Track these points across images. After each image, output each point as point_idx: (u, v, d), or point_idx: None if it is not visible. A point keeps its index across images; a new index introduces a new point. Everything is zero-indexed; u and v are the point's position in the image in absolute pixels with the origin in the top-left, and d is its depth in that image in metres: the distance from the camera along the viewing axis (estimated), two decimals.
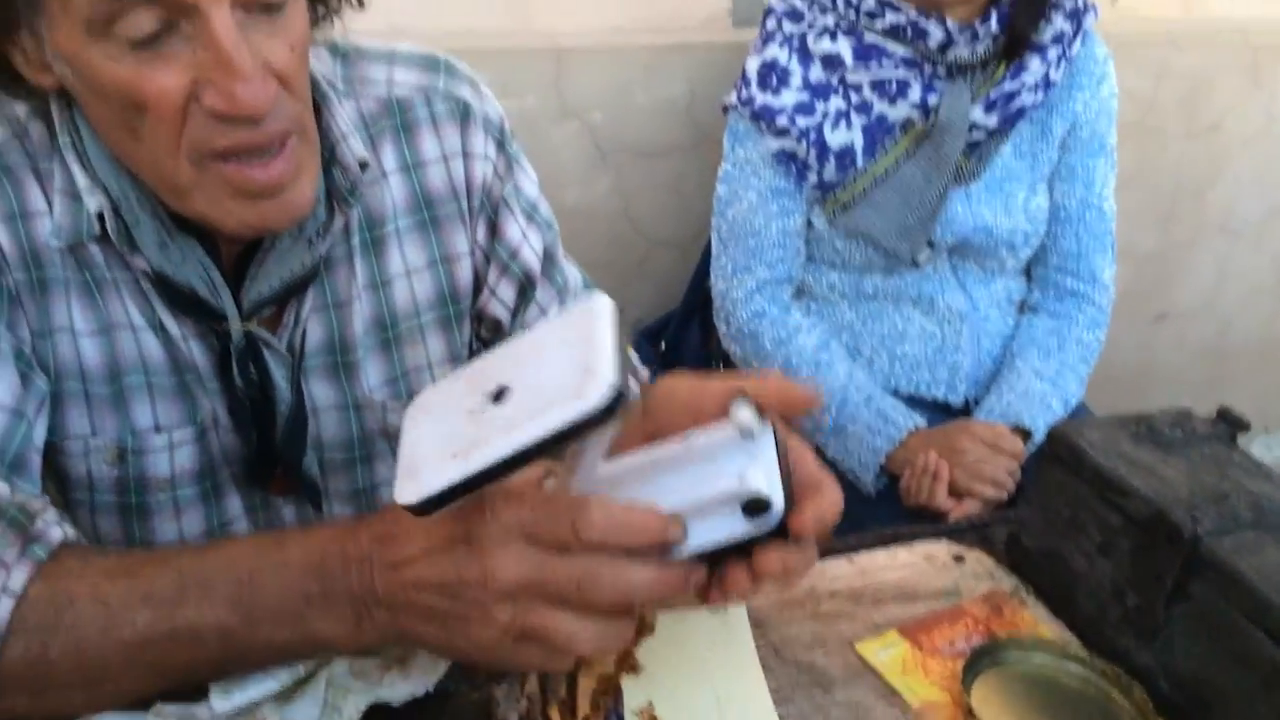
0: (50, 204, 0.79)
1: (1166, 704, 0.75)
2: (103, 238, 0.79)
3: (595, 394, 0.55)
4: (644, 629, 0.80)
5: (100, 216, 0.78)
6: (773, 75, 1.49)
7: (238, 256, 0.83)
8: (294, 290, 0.85)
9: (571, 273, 1.04)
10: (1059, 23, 1.46)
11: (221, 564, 0.65)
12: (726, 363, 1.65)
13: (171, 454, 0.86)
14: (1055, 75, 1.47)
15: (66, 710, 0.66)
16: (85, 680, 0.65)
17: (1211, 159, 2.21)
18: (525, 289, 0.98)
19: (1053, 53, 1.46)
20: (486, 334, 1.00)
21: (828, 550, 0.91)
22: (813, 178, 1.49)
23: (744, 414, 0.62)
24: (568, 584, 0.60)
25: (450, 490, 0.57)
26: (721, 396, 0.66)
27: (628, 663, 0.77)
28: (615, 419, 0.55)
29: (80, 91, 0.73)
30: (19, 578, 0.65)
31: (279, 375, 0.86)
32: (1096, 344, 1.57)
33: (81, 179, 0.78)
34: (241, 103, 0.69)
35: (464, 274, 0.95)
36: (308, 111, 0.78)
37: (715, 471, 0.62)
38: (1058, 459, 0.87)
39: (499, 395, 0.59)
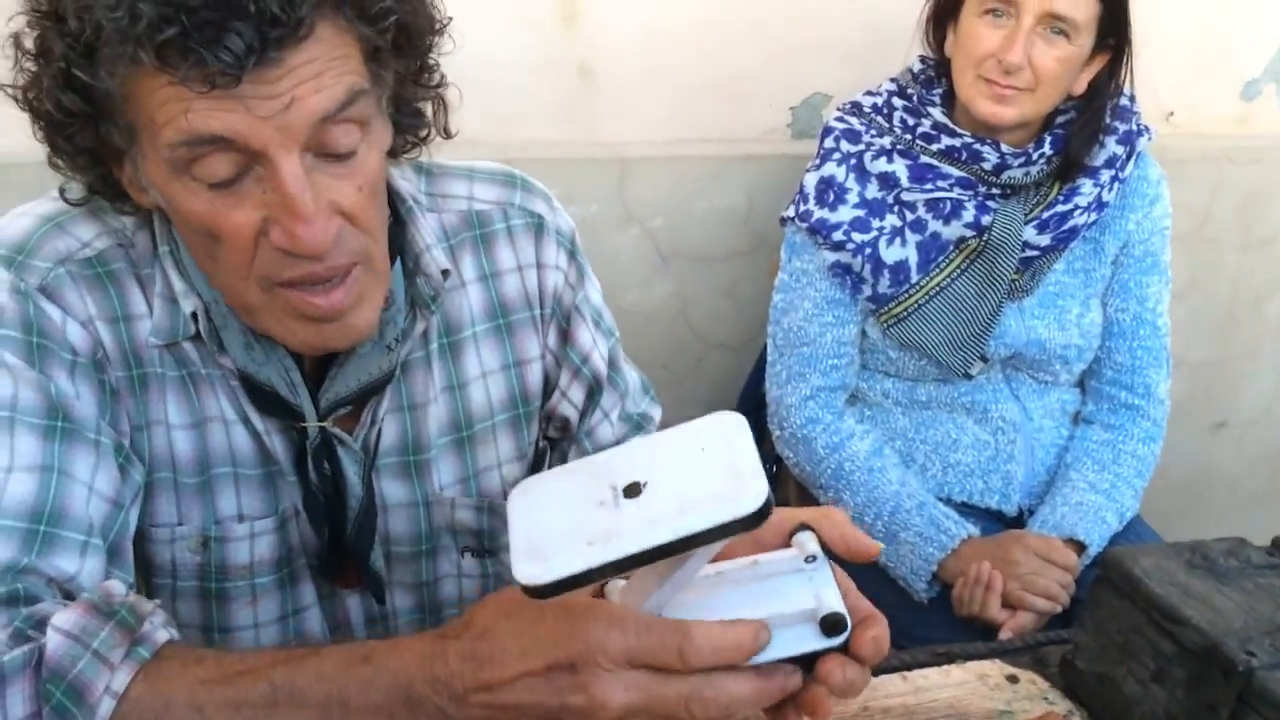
0: (150, 307, 0.86)
1: None
2: (196, 337, 0.85)
3: (750, 498, 0.59)
4: None
5: (194, 316, 0.84)
6: (830, 192, 1.54)
7: (318, 359, 0.88)
8: (371, 392, 0.90)
9: (631, 376, 1.09)
10: (1112, 146, 1.50)
11: (311, 678, 0.67)
12: (779, 465, 1.67)
13: (252, 543, 0.91)
14: (1108, 196, 1.51)
15: None
16: None
17: (1268, 269, 2.22)
18: (593, 392, 1.03)
19: (1105, 175, 1.50)
20: (554, 433, 1.05)
21: (881, 667, 0.93)
22: (867, 290, 1.53)
23: (811, 543, 0.69)
24: (677, 706, 0.62)
25: (583, 575, 0.60)
26: (782, 527, 0.70)
27: None
28: (760, 524, 0.59)
29: (170, 213, 0.81)
30: (122, 679, 0.68)
31: (351, 472, 0.90)
32: (1151, 458, 1.57)
33: (178, 284, 0.85)
34: (302, 242, 0.75)
35: (534, 377, 1.00)
36: (376, 244, 0.83)
37: (786, 591, 0.67)
38: (1112, 584, 0.88)
39: (632, 491, 0.63)
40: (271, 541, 0.92)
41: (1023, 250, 1.49)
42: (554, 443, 1.06)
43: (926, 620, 1.45)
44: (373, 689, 0.66)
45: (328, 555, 0.94)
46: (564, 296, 1.00)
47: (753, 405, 1.75)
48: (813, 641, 0.65)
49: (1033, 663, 0.95)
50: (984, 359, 1.54)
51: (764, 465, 1.79)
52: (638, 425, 1.06)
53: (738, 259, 1.89)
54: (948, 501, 1.55)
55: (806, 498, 1.64)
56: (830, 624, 0.64)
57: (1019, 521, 1.57)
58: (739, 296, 1.90)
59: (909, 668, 0.94)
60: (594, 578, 0.61)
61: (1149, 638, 0.84)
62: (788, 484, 1.70)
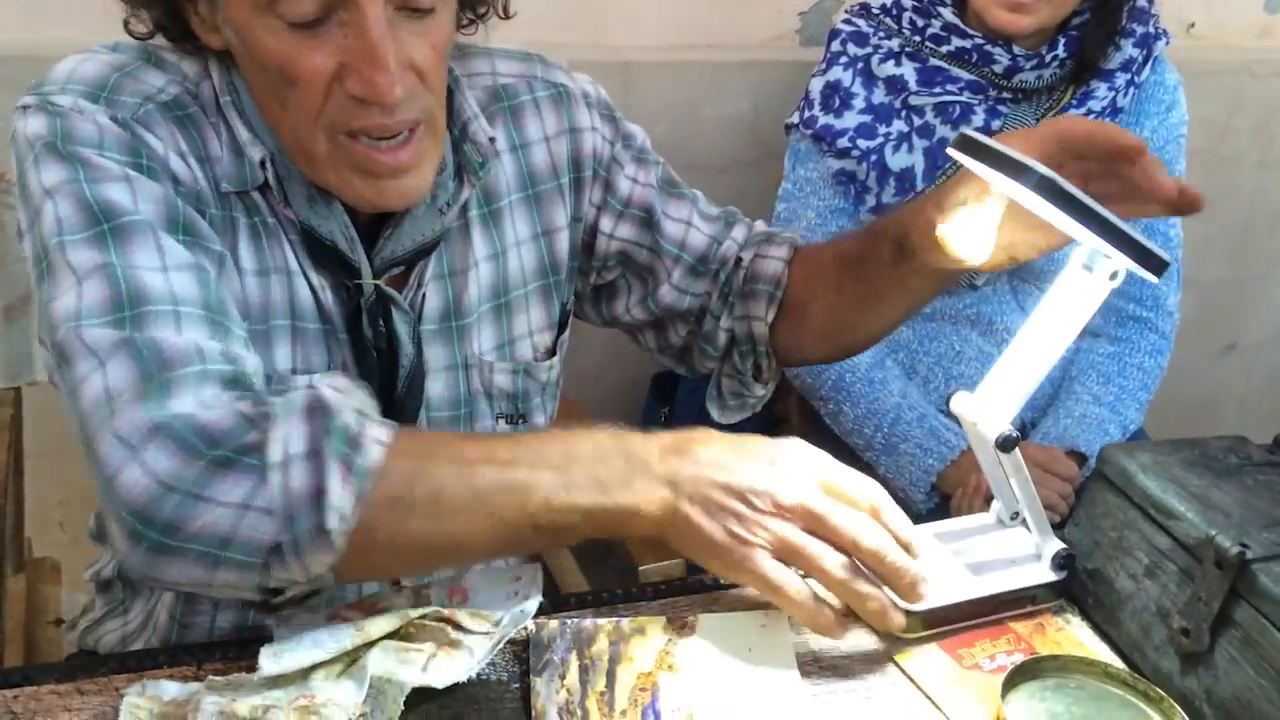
0: (222, 152, 0.86)
1: None
2: (264, 186, 0.86)
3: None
4: (684, 628, 0.81)
5: (263, 164, 0.85)
6: (835, 97, 1.50)
7: (371, 219, 0.89)
8: (422, 254, 0.92)
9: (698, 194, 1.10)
10: (1128, 49, 1.45)
11: (542, 440, 0.78)
12: (781, 378, 1.66)
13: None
14: (1122, 101, 1.47)
15: (419, 538, 0.74)
16: (439, 513, 0.73)
17: None
18: (648, 220, 1.05)
19: (1120, 79, 1.45)
20: (611, 274, 1.07)
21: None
22: (871, 200, 1.49)
23: (1000, 508, 0.94)
24: (844, 528, 0.76)
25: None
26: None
27: (665, 662, 0.79)
28: None
29: (241, 56, 0.82)
30: (386, 432, 0.73)
31: (403, 332, 0.91)
32: (1158, 370, 1.55)
33: (244, 133, 0.85)
34: (379, 90, 0.78)
35: (561, 246, 1.03)
36: (440, 108, 0.86)
37: (1009, 541, 0.92)
38: (1107, 480, 0.87)
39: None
40: None
41: None
42: (611, 285, 1.09)
43: None
44: (600, 449, 0.77)
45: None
46: (603, 153, 1.03)
47: None
48: (1048, 575, 0.87)
49: None
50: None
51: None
52: (727, 222, 1.08)
53: (743, 169, 1.85)
54: (949, 415, 1.53)
55: (807, 410, 1.63)
56: (1062, 560, 0.87)
57: (1022, 435, 1.55)
58: (744, 208, 1.86)
59: None
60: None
61: (1143, 533, 0.83)
62: (789, 397, 1.69)
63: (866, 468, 1.52)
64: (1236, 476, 0.84)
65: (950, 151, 0.83)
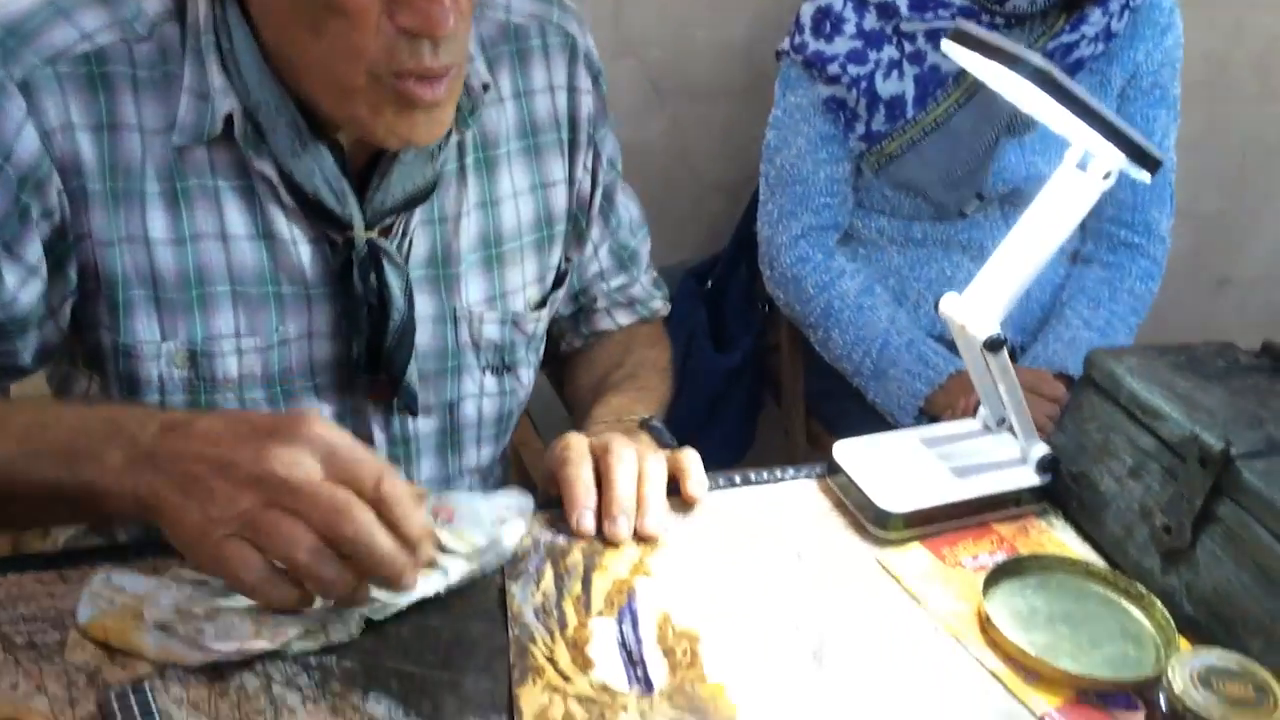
0: (141, 117, 0.81)
1: (1188, 623, 0.75)
2: (215, 142, 0.82)
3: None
4: (654, 542, 0.81)
5: (228, 119, 0.81)
6: (826, 22, 1.48)
7: (359, 170, 0.87)
8: (414, 202, 0.89)
9: (631, 210, 1.12)
10: None
11: (33, 408, 0.72)
12: (771, 306, 1.65)
13: (240, 358, 0.88)
14: (1117, 26, 1.45)
15: None
16: None
17: None
18: (609, 206, 1.08)
19: (1115, 3, 1.43)
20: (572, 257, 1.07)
21: None
22: (860, 128, 1.48)
23: (987, 413, 0.94)
24: (327, 505, 0.64)
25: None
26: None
27: (641, 569, 0.79)
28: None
29: None
30: None
31: (396, 286, 0.89)
32: (1148, 296, 1.55)
33: (218, 80, 0.81)
34: (433, 21, 0.74)
35: (558, 201, 1.00)
36: (468, 47, 0.83)
37: (994, 445, 0.92)
38: (1094, 384, 0.87)
39: None
40: (261, 359, 0.89)
41: None
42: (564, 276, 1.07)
43: None
44: (85, 417, 0.71)
45: (356, 370, 0.91)
46: (597, 123, 1.01)
47: (745, 246, 1.72)
48: (1034, 479, 0.87)
49: None
50: (980, 197, 1.50)
51: (755, 306, 1.77)
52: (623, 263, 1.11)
53: (737, 96, 1.83)
54: (940, 339, 1.53)
55: (797, 338, 1.63)
56: (1046, 464, 0.87)
57: (1012, 359, 1.55)
58: (738, 135, 1.85)
59: None
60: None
61: (1128, 435, 0.83)
62: (780, 326, 1.69)
63: (857, 394, 1.52)
64: (1223, 380, 0.84)
65: (945, 45, 0.82)
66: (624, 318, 1.15)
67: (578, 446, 0.85)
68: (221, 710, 0.65)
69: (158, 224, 0.83)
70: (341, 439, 0.66)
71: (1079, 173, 0.83)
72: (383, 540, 0.65)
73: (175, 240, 0.84)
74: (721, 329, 1.75)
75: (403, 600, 0.72)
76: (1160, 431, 0.80)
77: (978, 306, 0.84)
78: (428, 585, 0.73)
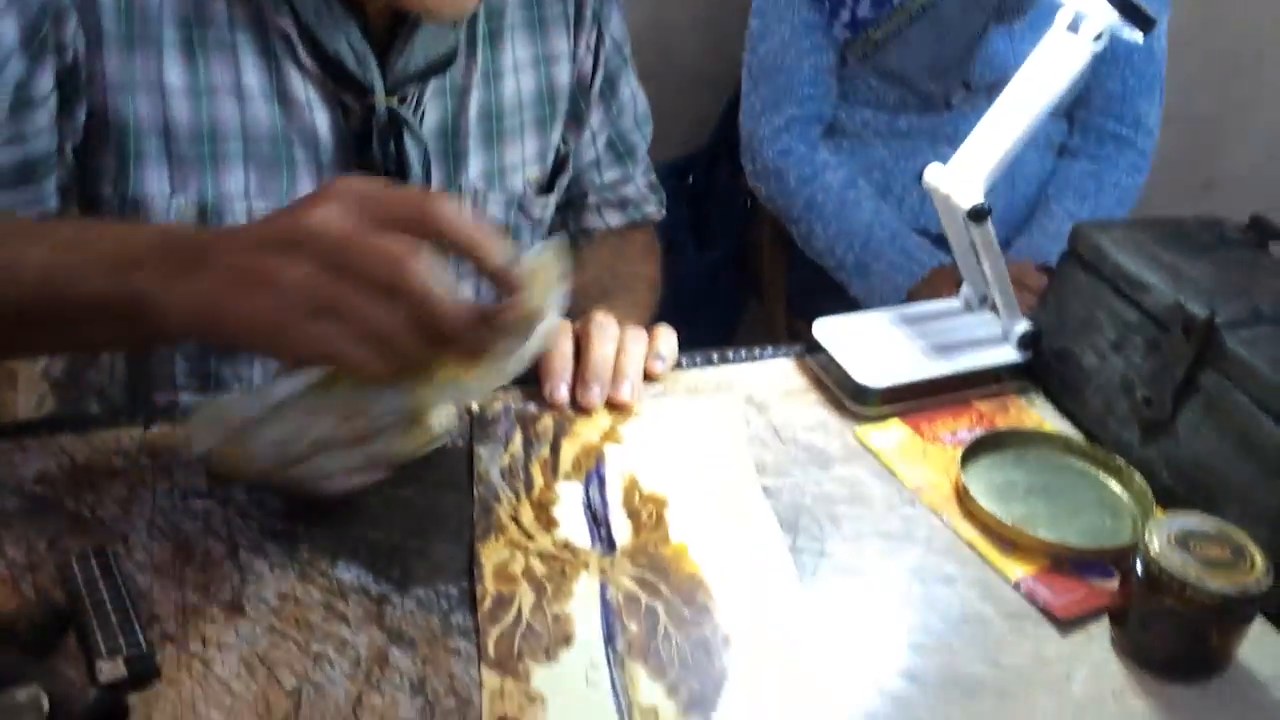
0: None
1: (1166, 493, 0.75)
2: None
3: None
4: (627, 411, 0.80)
5: None
6: None
7: (381, 36, 0.84)
8: (433, 70, 0.86)
9: (638, 103, 1.10)
10: None
11: (72, 225, 0.69)
12: (753, 202, 1.62)
13: (249, 221, 0.84)
14: None
15: None
16: None
17: (1276, 18, 2.11)
18: (611, 90, 1.05)
19: None
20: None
21: None
22: (845, 15, 1.43)
23: (969, 292, 0.92)
24: (383, 256, 0.56)
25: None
26: None
27: (612, 436, 0.78)
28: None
29: None
30: None
31: (414, 156, 0.86)
32: (1135, 189, 1.52)
33: None
34: None
35: (561, 76, 0.97)
36: None
37: (975, 323, 0.91)
38: (1079, 258, 0.85)
39: None
40: None
41: None
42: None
43: None
44: (129, 230, 0.66)
45: None
46: (604, 1, 0.99)
47: (727, 141, 1.68)
48: (1016, 356, 0.87)
49: None
50: (967, 86, 1.46)
51: (737, 203, 1.74)
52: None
53: None
54: (925, 234, 1.51)
55: (780, 235, 1.60)
56: (1026, 341, 0.86)
57: None
58: (721, 24, 1.80)
59: None
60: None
61: (1112, 308, 0.81)
62: (762, 222, 1.66)
63: (839, 289, 1.51)
64: (1210, 252, 0.82)
65: None
66: (615, 218, 1.11)
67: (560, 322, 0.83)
68: (186, 575, 0.64)
69: (174, 73, 0.81)
70: (369, 183, 0.59)
71: (1069, 35, 0.80)
72: (438, 300, 0.57)
73: (191, 91, 0.82)
74: (703, 226, 1.72)
75: (510, 368, 0.63)
76: (1144, 303, 0.78)
77: (962, 175, 0.82)
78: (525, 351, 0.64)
